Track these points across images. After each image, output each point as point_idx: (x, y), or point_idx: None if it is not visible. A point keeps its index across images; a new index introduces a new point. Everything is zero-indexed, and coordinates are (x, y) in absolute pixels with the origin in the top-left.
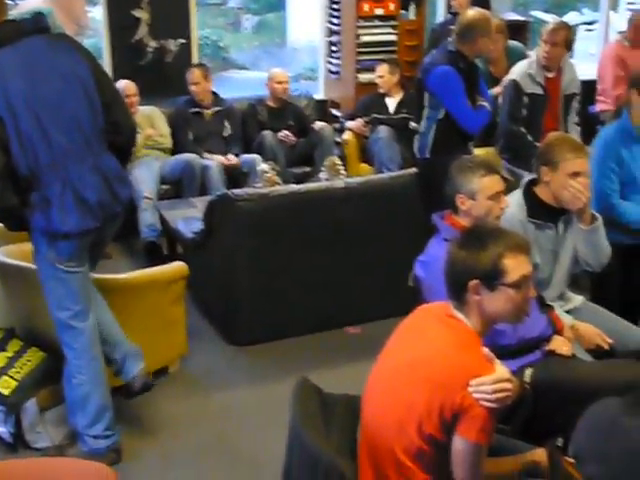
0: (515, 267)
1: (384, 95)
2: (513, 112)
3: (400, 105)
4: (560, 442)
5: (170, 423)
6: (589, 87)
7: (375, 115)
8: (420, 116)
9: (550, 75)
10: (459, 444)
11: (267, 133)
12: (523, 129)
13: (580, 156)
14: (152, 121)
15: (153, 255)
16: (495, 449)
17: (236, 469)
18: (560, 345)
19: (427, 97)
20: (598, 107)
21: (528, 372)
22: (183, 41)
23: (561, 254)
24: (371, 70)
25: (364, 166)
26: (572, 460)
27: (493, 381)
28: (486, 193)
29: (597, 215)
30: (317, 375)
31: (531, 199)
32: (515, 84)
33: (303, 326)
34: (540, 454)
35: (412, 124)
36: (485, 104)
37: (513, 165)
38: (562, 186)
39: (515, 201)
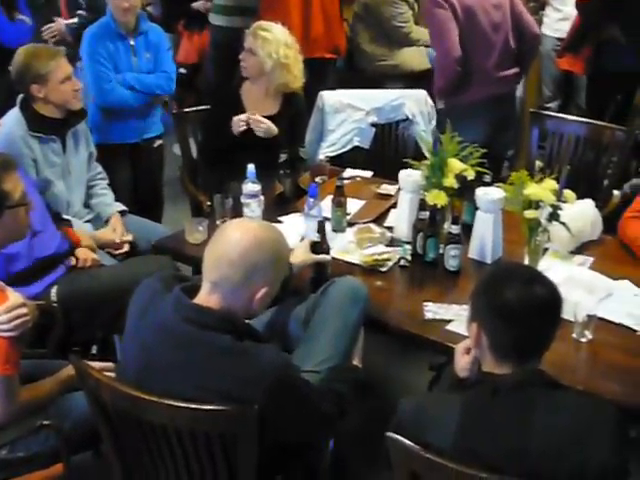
0: (14, 186)
1: None
2: None
3: None
4: (95, 349)
5: None
6: None
7: None
8: None
9: None
10: None
11: None
12: None
13: (61, 59)
14: None
15: None
16: (34, 374)
17: None
18: (85, 255)
19: None
20: None
21: (53, 290)
22: None
23: (73, 166)
24: None
25: None
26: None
27: (6, 310)
28: None
29: None
30: None
31: (31, 113)
32: None
33: None
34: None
35: None
36: (25, 18)
37: None
38: (61, 94)
39: (14, 116)
